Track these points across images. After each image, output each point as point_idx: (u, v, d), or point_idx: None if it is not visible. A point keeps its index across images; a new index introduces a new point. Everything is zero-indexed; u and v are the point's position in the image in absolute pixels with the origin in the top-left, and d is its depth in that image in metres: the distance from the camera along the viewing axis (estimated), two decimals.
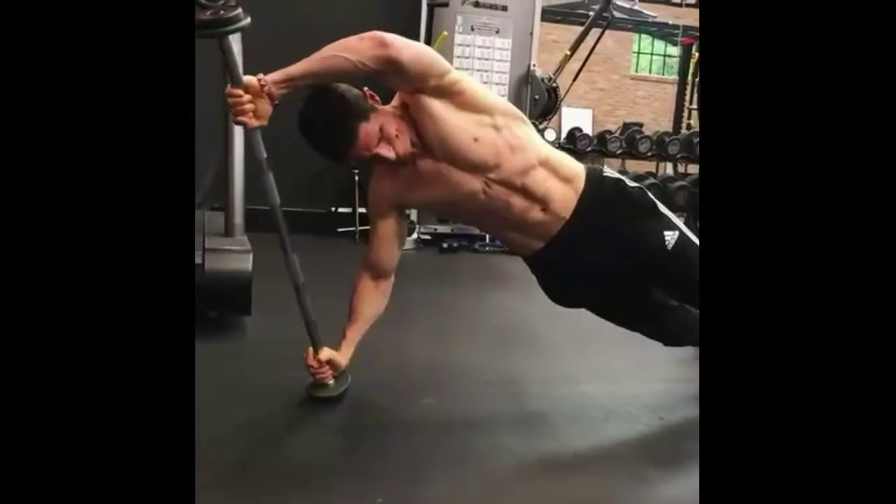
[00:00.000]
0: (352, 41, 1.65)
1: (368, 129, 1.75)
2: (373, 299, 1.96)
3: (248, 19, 1.75)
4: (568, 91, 5.34)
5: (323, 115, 1.78)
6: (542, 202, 1.82)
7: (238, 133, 2.83)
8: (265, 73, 1.68)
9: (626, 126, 6.75)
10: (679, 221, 1.94)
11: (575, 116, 9.44)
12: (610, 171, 2.03)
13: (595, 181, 1.89)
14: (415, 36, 4.58)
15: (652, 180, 5.24)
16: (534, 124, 4.71)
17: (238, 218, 2.75)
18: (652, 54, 14.35)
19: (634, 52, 14.12)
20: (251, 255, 2.54)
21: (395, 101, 1.83)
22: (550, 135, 5.15)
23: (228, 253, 2.55)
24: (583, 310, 2.08)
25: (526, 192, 1.81)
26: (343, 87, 1.78)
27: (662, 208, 1.94)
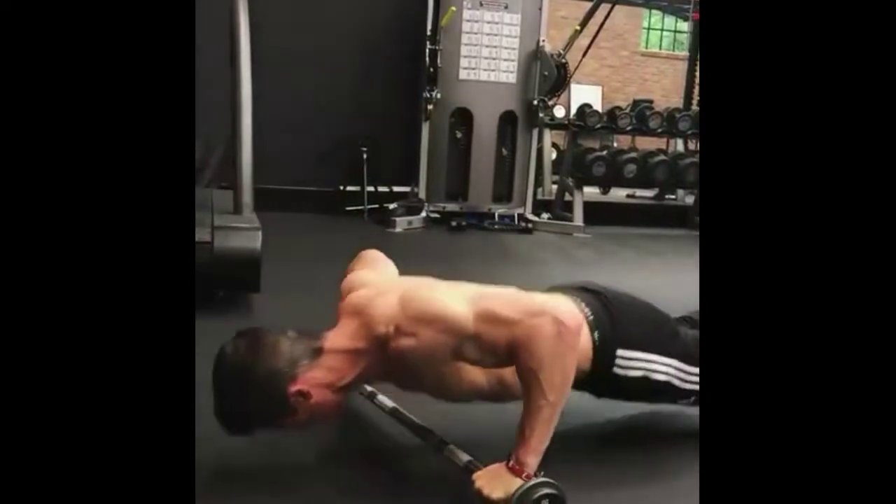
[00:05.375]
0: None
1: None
2: None
3: None
4: (577, 67, 5.29)
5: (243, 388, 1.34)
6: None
7: (246, 111, 2.83)
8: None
9: (636, 103, 6.69)
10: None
11: (584, 93, 9.37)
12: (624, 360, 1.53)
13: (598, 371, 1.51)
14: (423, 11, 4.54)
15: (662, 157, 5.21)
16: (542, 100, 4.72)
17: (247, 196, 2.74)
18: (662, 30, 14.20)
19: (644, 28, 13.97)
20: (260, 233, 2.53)
21: (350, 341, 1.40)
22: (560, 111, 5.12)
23: (237, 230, 2.54)
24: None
25: None
26: (276, 372, 1.34)
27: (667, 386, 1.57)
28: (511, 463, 1.27)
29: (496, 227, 4.68)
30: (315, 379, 1.37)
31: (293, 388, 1.34)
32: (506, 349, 1.31)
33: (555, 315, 1.28)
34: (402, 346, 1.33)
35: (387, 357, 1.36)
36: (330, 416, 1.46)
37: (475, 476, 1.31)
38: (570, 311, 1.39)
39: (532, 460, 1.27)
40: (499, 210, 4.78)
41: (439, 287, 1.45)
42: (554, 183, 5.48)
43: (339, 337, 1.42)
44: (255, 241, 2.51)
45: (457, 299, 1.36)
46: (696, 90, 6.98)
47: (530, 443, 1.27)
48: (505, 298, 1.39)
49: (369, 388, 1.74)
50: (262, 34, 3.26)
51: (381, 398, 1.70)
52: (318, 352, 1.38)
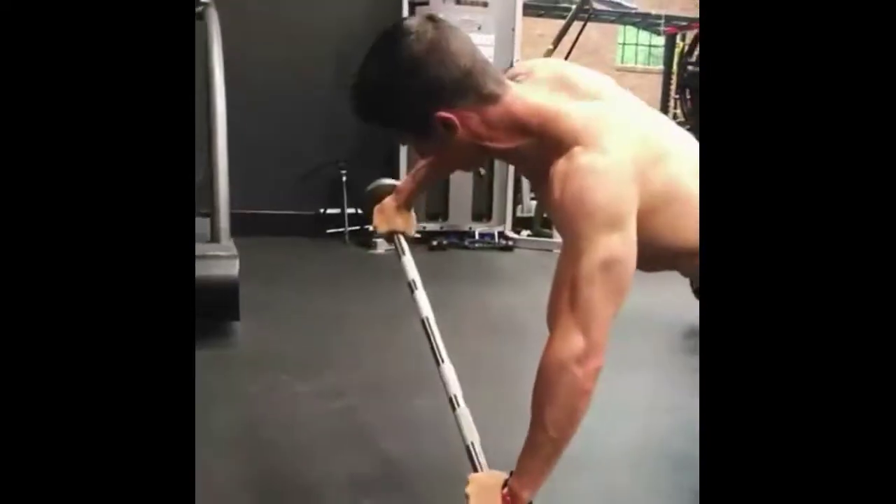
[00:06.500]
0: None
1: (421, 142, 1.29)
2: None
3: None
4: None
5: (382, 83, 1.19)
6: None
7: (222, 138, 2.82)
8: None
9: None
10: None
11: None
12: None
13: None
14: None
15: None
16: None
17: (223, 223, 2.74)
18: (637, 45, 14.36)
19: (620, 44, 14.13)
20: (237, 261, 2.53)
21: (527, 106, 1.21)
22: None
23: (215, 259, 2.54)
24: None
25: None
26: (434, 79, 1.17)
27: None
28: (505, 490, 1.21)
29: (477, 245, 4.69)
30: (470, 119, 1.19)
31: (443, 112, 1.17)
32: (554, 295, 1.15)
33: (595, 360, 1.13)
34: (550, 180, 1.15)
35: (539, 162, 1.19)
36: (456, 165, 1.34)
37: (470, 478, 1.26)
38: (601, 352, 1.16)
39: (526, 494, 1.21)
40: (479, 228, 4.80)
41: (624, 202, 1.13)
42: (533, 199, 5.50)
43: (523, 104, 1.21)
44: (232, 269, 2.51)
45: (619, 227, 1.11)
46: (672, 103, 7.06)
47: (526, 478, 1.20)
48: (604, 294, 1.12)
49: (410, 278, 1.60)
50: (236, 57, 3.26)
51: (420, 296, 1.55)
52: (493, 98, 1.19)
